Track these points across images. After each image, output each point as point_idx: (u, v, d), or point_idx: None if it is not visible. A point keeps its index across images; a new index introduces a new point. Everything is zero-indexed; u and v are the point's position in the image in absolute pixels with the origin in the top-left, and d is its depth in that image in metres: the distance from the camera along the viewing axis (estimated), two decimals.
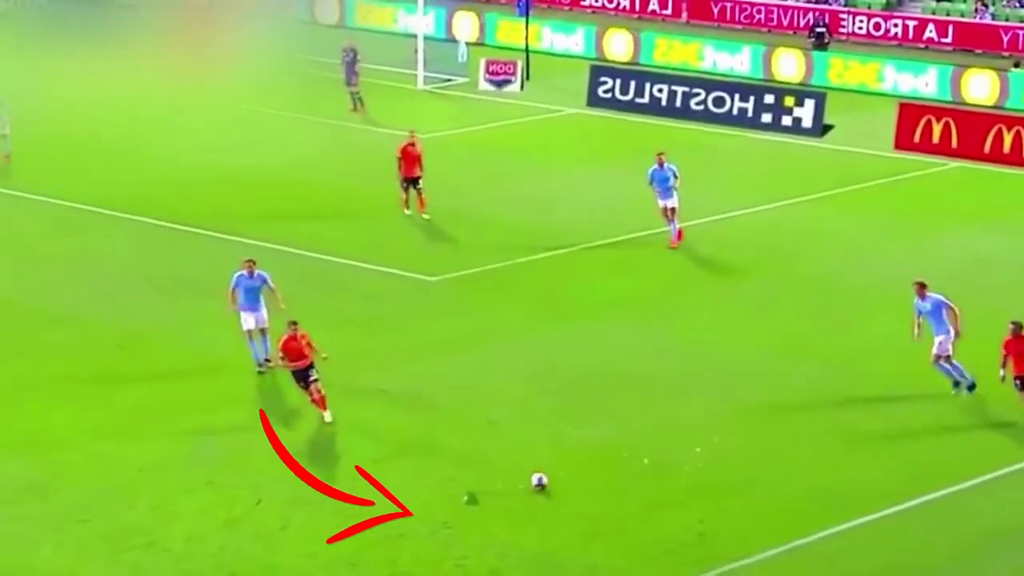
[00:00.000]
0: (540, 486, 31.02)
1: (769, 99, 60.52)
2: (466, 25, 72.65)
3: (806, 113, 59.60)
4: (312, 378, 34.10)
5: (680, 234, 45.52)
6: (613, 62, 67.81)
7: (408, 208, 47.83)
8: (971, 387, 35.13)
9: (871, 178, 53.61)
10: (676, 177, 45.20)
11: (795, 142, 58.49)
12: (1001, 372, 33.64)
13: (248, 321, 36.66)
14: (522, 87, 65.27)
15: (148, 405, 35.31)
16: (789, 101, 60.12)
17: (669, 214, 45.35)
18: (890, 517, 30.36)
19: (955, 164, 55.47)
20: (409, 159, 47.86)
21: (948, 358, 35.13)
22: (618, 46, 69.98)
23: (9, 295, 42.29)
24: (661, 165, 45.22)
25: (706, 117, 60.96)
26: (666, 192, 45.21)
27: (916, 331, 35.47)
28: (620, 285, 43.16)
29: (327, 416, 34.08)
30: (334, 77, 63.16)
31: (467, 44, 69.12)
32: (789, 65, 66.49)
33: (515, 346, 39.05)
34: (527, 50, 67.31)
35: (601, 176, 53.47)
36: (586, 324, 40.29)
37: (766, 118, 60.07)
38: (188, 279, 42.87)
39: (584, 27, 71.93)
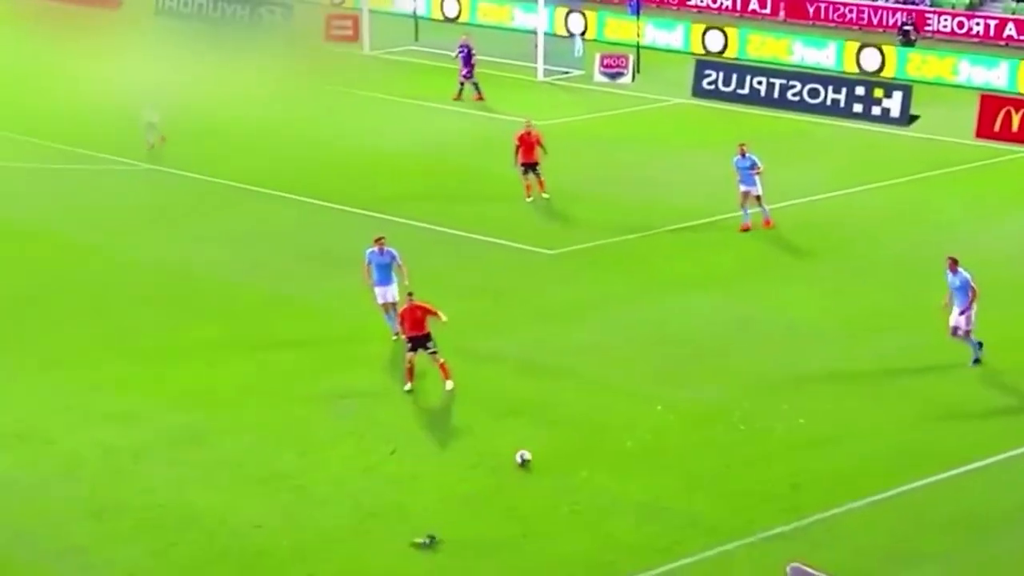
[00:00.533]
0: (523, 462, 30.63)
1: (860, 91, 60.28)
2: (578, 22, 72.65)
3: (894, 104, 59.29)
4: (431, 349, 34.08)
5: (768, 221, 45.32)
6: (710, 56, 67.67)
7: (530, 195, 48.01)
8: (976, 361, 35.25)
9: (954, 164, 53.35)
10: (757, 166, 45.01)
11: (883, 131, 58.24)
12: None
13: (381, 295, 36.72)
14: (633, 79, 65.29)
15: (296, 367, 35.80)
16: (878, 93, 59.83)
17: (750, 200, 45.00)
18: (958, 476, 30.48)
19: None
20: (527, 146, 48.11)
21: (967, 333, 35.10)
22: (714, 42, 69.82)
23: (177, 264, 42.90)
24: (743, 155, 45.02)
25: (801, 107, 60.84)
26: (748, 179, 45.10)
27: (945, 302, 35.39)
28: (719, 260, 43.26)
29: (449, 384, 34.13)
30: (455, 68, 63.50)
31: (583, 40, 69.22)
32: (871, 60, 66.13)
33: (626, 313, 39.27)
34: (638, 45, 67.35)
35: (704, 161, 53.45)
36: (689, 294, 40.45)
37: (857, 108, 59.87)
38: (334, 252, 43.35)
39: (683, 24, 71.79)
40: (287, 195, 49.03)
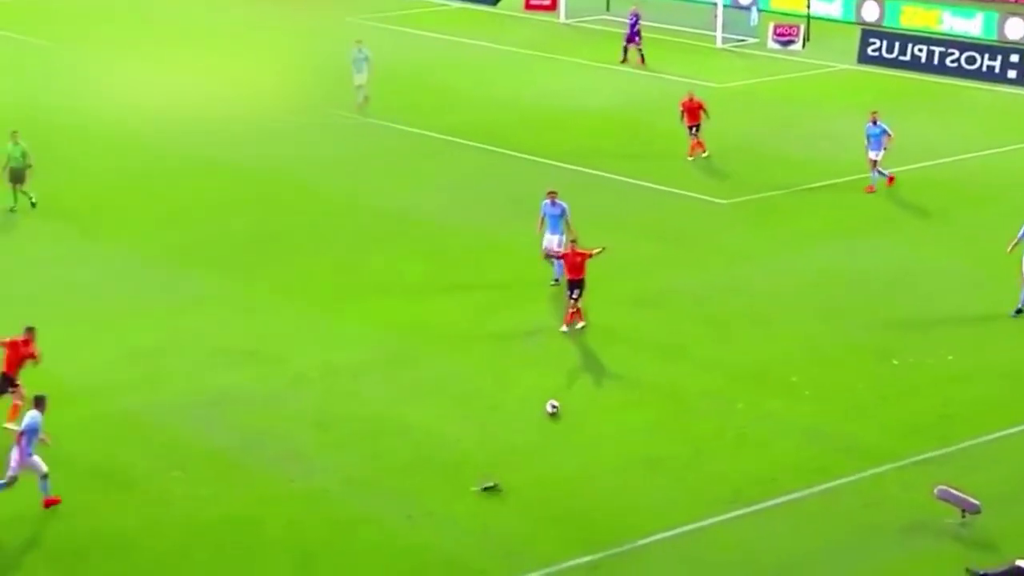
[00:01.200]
0: (553, 411, 30.02)
1: (1015, 58, 59.03)
2: None
3: None
4: (575, 296, 33.67)
5: (891, 179, 44.47)
6: (865, 25, 66.52)
7: (692, 155, 47.64)
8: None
9: None
10: (888, 134, 44.03)
11: None
12: None
13: (549, 242, 36.32)
14: (803, 46, 64.61)
15: (492, 303, 36.08)
16: None
17: (872, 165, 44.14)
18: None
19: None
20: (689, 111, 47.72)
21: None
22: (870, 12, 68.62)
23: (395, 208, 43.44)
24: (875, 122, 44.17)
25: (959, 73, 59.73)
26: (876, 145, 44.17)
27: (1010, 247, 34.93)
28: (878, 212, 42.84)
29: (579, 324, 33.79)
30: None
31: (758, 10, 68.51)
32: (1015, 29, 64.58)
33: (792, 259, 39.10)
34: (808, 15, 66.58)
35: (865, 121, 52.82)
36: (849, 242, 40.14)
37: (1012, 74, 58.65)
38: (528, 200, 43.47)
39: None
40: (491, 148, 49.32)
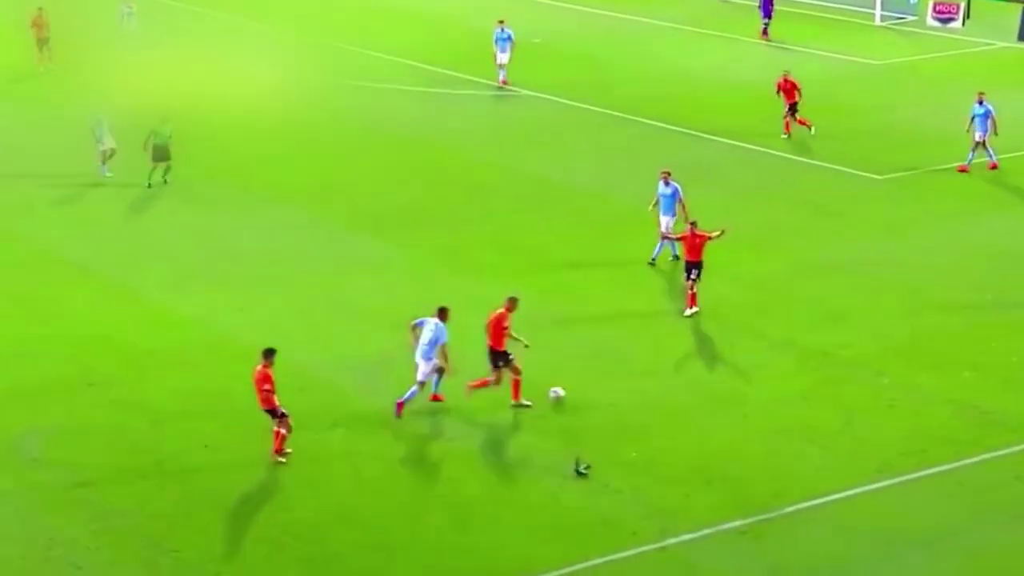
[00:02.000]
0: (556, 398, 29.25)
1: None
2: None
3: None
4: (693, 278, 33.20)
5: (993, 165, 43.45)
6: (1019, 2, 65.15)
7: (788, 133, 47.03)
8: None
9: None
10: (992, 115, 43.12)
11: None
12: None
13: (664, 224, 36.14)
14: (963, 23, 63.73)
15: (636, 277, 36.28)
16: None
17: (976, 145, 43.26)
18: None
19: None
20: (787, 91, 47.19)
21: None
22: None
23: (547, 176, 43.78)
24: (980, 103, 43.35)
25: None
26: (983, 126, 43.23)
27: None
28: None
29: (689, 311, 33.26)
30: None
31: None
32: None
33: (946, 233, 38.79)
34: None
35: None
36: (1003, 217, 39.77)
37: None
38: (689, 166, 43.55)
39: None
40: (647, 121, 49.38)
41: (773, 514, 25.44)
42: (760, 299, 34.39)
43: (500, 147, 47.00)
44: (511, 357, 28.99)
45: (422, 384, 28.65)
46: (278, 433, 27.00)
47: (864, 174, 43.59)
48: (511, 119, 50.31)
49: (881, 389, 29.86)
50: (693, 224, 33.80)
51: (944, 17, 63.87)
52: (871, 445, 27.75)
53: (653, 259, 36.37)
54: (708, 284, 34.11)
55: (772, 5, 61.96)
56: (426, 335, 28.48)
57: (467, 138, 47.87)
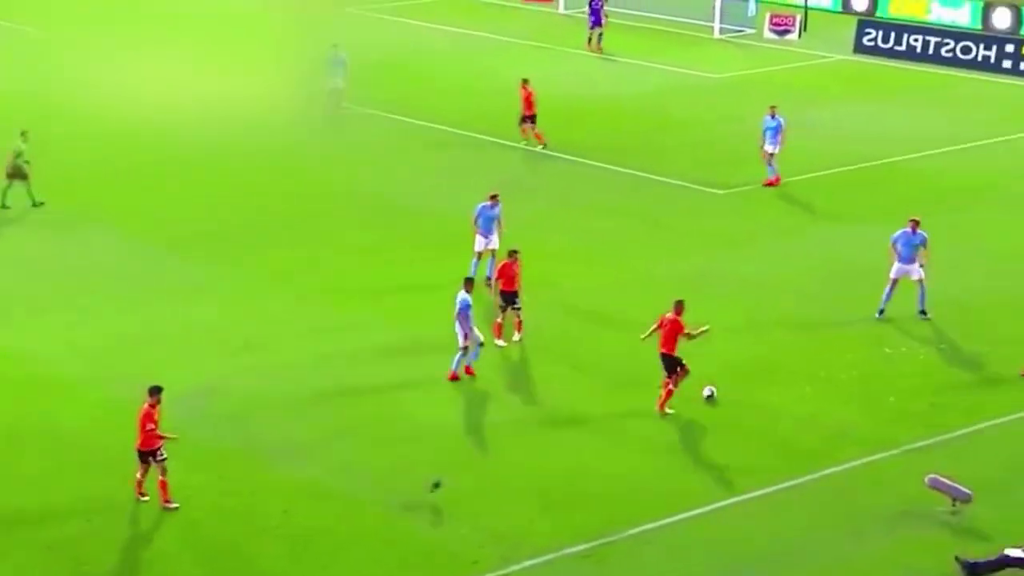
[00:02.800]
0: (710, 396, 30.02)
1: (1010, 48, 58.95)
2: None
3: None
4: (517, 306, 32.66)
5: (777, 180, 43.50)
6: (854, 15, 66.24)
7: (525, 139, 47.37)
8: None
9: None
10: (783, 129, 43.05)
11: None
12: None
13: (479, 243, 35.74)
14: (800, 36, 64.47)
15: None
16: None
17: (769, 158, 43.36)
18: None
19: None
20: (525, 101, 47.22)
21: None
22: (859, 2, 68.35)
23: (386, 195, 43.31)
24: (772, 116, 43.41)
25: (954, 63, 59.63)
26: (773, 139, 43.23)
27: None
28: (869, 200, 42.77)
29: (517, 336, 32.70)
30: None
31: (756, 1, 68.33)
32: (1002, 19, 64.41)
33: (784, 248, 39.03)
34: (806, 6, 66.44)
35: (863, 111, 52.86)
36: (842, 230, 40.10)
37: (1006, 64, 58.59)
38: (524, 183, 43.44)
39: None
40: (488, 138, 49.18)
41: (616, 537, 25.27)
42: (595, 315, 34.19)
43: (332, 166, 46.43)
44: (683, 363, 29.38)
45: (465, 349, 30.71)
46: (163, 483, 26.02)
47: (704, 188, 43.76)
48: (348, 137, 49.74)
49: (722, 406, 29.83)
50: (515, 252, 33.01)
51: (781, 30, 64.57)
52: (714, 463, 27.70)
53: (488, 278, 36.03)
54: (541, 299, 33.99)
55: (601, 15, 62.24)
56: (457, 307, 30.59)
57: (298, 157, 47.22)
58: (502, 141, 48.46)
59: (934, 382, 30.90)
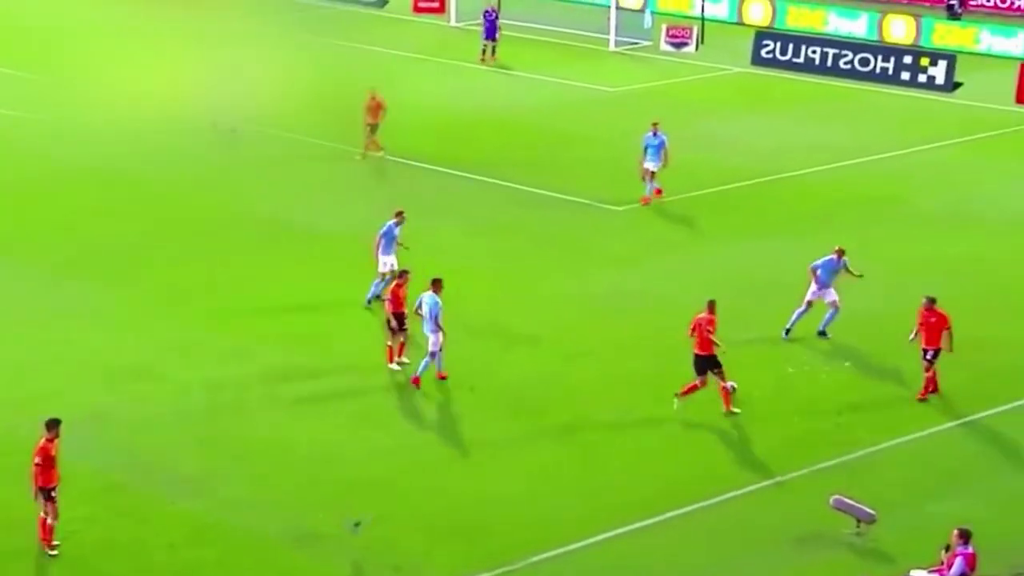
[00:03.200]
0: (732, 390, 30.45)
1: (907, 60, 59.78)
2: None
3: (939, 72, 58.73)
4: (405, 328, 32.45)
5: (658, 192, 43.76)
6: (751, 26, 66.93)
7: (366, 153, 47.78)
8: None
9: (995, 128, 52.95)
10: (665, 146, 43.25)
11: (930, 97, 57.73)
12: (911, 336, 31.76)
13: (386, 264, 35.73)
14: (697, 49, 64.94)
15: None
16: (925, 61, 59.32)
17: (649, 176, 43.52)
18: (996, 414, 30.41)
19: None
20: (371, 110, 47.62)
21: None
22: (756, 12, 69.15)
23: (275, 215, 43.02)
24: (655, 133, 43.58)
25: (853, 75, 60.33)
26: (655, 157, 43.40)
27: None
28: (775, 214, 43.16)
29: (395, 366, 32.44)
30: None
31: (651, 12, 68.75)
32: (898, 29, 65.39)
33: (684, 264, 39.22)
34: (703, 17, 66.96)
35: (761, 123, 53.34)
36: (743, 245, 40.39)
37: (904, 76, 59.36)
38: (423, 203, 43.31)
39: None
40: (373, 153, 49.03)
41: (518, 564, 25.24)
42: (494, 336, 34.13)
43: (223, 185, 46.11)
44: (720, 363, 30.10)
45: (433, 355, 31.29)
46: (43, 521, 25.49)
47: (601, 205, 43.88)
48: (233, 155, 49.34)
49: (624, 430, 29.88)
50: (403, 274, 32.88)
51: (678, 42, 64.97)
52: (615, 489, 27.75)
53: (368, 300, 36.00)
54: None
55: (495, 27, 62.43)
56: (426, 310, 31.15)
57: (187, 176, 46.83)
58: (394, 158, 48.34)
59: (838, 401, 31.14)
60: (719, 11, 70.03)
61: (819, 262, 34.29)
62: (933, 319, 30.87)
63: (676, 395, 30.38)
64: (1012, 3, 70.31)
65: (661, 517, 26.67)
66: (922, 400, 31.01)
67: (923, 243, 40.46)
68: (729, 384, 30.38)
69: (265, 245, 40.55)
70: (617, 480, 28.00)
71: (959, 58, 59.30)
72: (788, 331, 34.14)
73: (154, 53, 62.51)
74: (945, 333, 30.79)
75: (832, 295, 34.12)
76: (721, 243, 40.85)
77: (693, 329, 30.54)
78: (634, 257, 39.69)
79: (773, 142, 50.68)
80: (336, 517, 26.30)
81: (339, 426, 30.15)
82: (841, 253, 34.30)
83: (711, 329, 30.31)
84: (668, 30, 65.29)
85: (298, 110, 53.98)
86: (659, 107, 54.44)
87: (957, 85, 58.30)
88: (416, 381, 31.51)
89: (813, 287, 34.15)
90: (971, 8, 70.14)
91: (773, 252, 39.91)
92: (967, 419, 30.27)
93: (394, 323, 32.47)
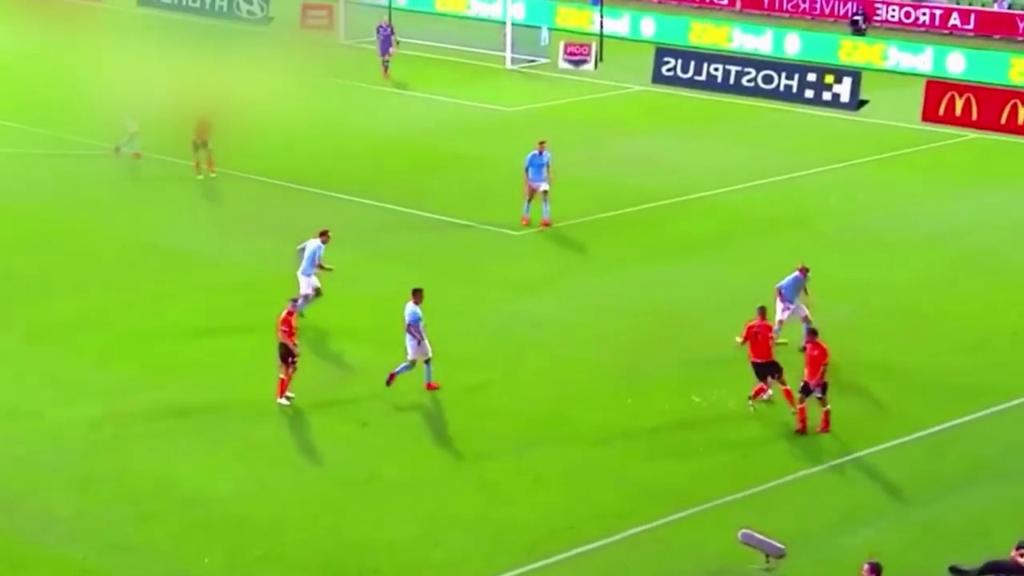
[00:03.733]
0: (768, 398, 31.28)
1: (812, 77, 60.19)
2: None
3: (844, 89, 59.20)
4: (294, 360, 31.87)
5: (545, 223, 43.48)
6: (650, 43, 67.24)
7: (200, 172, 48.08)
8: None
9: (902, 147, 53.40)
10: (548, 167, 43.14)
11: (835, 115, 58.17)
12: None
13: (307, 285, 35.86)
14: (596, 66, 65.09)
15: (265, 346, 35.50)
16: (829, 79, 59.76)
17: (542, 196, 43.32)
18: (905, 443, 30.51)
19: (974, 135, 55.09)
20: (200, 124, 47.95)
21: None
22: (656, 28, 69.54)
23: (158, 243, 42.52)
24: (540, 152, 43.43)
25: (756, 93, 60.68)
26: (539, 176, 43.22)
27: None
28: (674, 238, 43.20)
29: (287, 397, 31.99)
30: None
31: (549, 29, 68.89)
32: (792, 43, 66.01)
33: (584, 290, 39.05)
34: (601, 34, 67.13)
35: (663, 143, 53.47)
36: (644, 270, 40.34)
37: (809, 94, 59.77)
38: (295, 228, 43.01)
39: (629, 12, 71.33)
40: (266, 180, 48.63)
41: None
42: (383, 367, 33.70)
43: (103, 212, 45.49)
44: (780, 368, 30.99)
45: (413, 362, 32.00)
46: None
47: (499, 229, 43.69)
48: (113, 181, 48.76)
49: (525, 464, 29.64)
50: (294, 301, 32.68)
51: (576, 59, 65.10)
52: (518, 525, 27.45)
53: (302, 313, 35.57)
54: (326, 352, 33.74)
55: (390, 42, 62.39)
56: (407, 319, 31.80)
57: (67, 203, 46.19)
58: (282, 183, 47.95)
59: (744, 432, 31.07)
60: (619, 27, 70.26)
61: (784, 282, 34.45)
62: (816, 352, 30.82)
63: (748, 398, 31.44)
64: (916, 19, 71.26)
65: (566, 554, 26.41)
66: (801, 433, 30.73)
67: (826, 265, 40.45)
68: (782, 389, 31.20)
69: (146, 274, 40.04)
70: (513, 519, 27.69)
71: (865, 75, 59.85)
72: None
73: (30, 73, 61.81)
74: (823, 368, 30.66)
75: (803, 311, 34.17)
76: (622, 267, 40.69)
77: (746, 337, 31.27)
78: (532, 283, 39.51)
79: (676, 162, 50.82)
80: (221, 560, 25.82)
81: (225, 462, 29.66)
82: (805, 271, 34.54)
83: (772, 336, 31.44)
84: (566, 47, 65.43)
85: (172, 131, 53.44)
86: (558, 127, 54.53)
87: (863, 103, 58.81)
88: (391, 378, 32.26)
89: (780, 306, 34.30)
90: (875, 24, 71.01)
91: (675, 275, 39.89)
92: (874, 448, 30.26)
93: (283, 352, 31.94)
